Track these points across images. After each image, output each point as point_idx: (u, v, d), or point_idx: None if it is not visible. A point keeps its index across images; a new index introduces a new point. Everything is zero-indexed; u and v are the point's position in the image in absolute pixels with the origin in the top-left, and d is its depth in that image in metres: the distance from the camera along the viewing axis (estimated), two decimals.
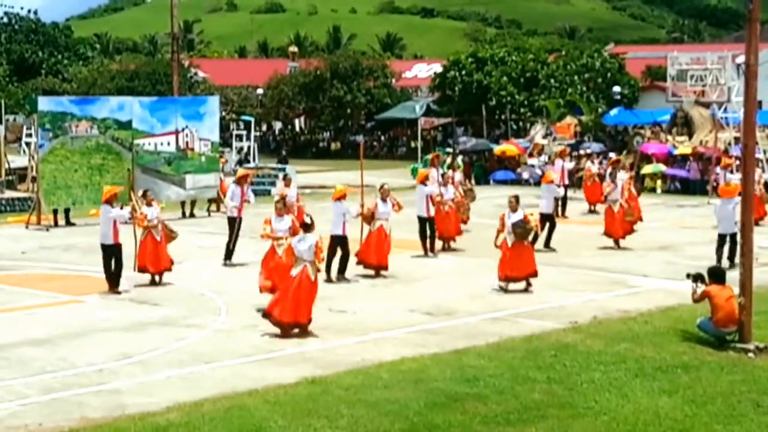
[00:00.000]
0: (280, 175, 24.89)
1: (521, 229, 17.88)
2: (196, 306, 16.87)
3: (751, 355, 13.36)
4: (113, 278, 17.95)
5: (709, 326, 13.97)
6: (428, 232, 22.19)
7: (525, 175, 41.62)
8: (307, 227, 14.69)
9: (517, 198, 18.58)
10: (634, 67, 59.97)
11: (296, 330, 14.49)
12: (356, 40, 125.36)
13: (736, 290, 13.92)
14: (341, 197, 19.20)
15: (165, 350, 13.85)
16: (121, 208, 18.28)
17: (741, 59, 38.30)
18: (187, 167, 30.46)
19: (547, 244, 22.74)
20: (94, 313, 16.35)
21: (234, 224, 21.34)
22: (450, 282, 19.24)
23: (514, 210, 18.19)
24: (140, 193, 20.18)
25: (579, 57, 57.19)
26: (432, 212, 22.28)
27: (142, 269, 18.72)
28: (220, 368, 12.92)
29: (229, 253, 21.14)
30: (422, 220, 22.14)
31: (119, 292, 17.82)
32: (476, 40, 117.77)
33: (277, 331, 14.49)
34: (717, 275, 14.23)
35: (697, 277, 14.28)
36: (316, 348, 13.93)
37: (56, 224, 27.81)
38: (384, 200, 20.17)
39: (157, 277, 18.77)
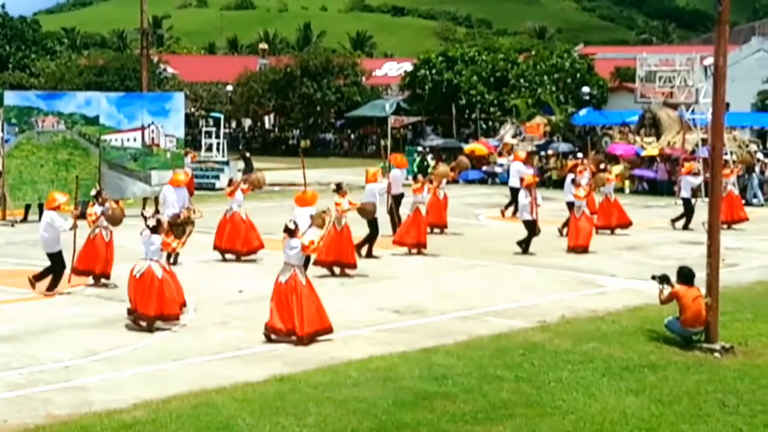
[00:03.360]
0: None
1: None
2: None
3: (717, 355, 13.46)
4: (57, 279, 17.69)
5: (677, 326, 14.07)
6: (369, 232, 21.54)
7: (498, 170, 41.84)
8: (292, 232, 14.46)
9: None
10: (603, 67, 60.30)
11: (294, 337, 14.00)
12: (326, 38, 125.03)
13: (704, 291, 14.02)
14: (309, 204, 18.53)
15: (132, 347, 13.76)
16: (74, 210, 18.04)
17: (709, 61, 38.67)
18: (152, 163, 30.26)
19: (526, 249, 22.60)
20: (61, 310, 16.20)
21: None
22: (419, 280, 19.24)
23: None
24: (94, 192, 19.90)
25: (549, 57, 57.41)
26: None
27: (81, 271, 18.17)
28: (187, 366, 12.86)
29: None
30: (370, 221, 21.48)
31: (53, 294, 17.49)
32: (446, 39, 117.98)
33: (246, 328, 14.46)
34: (685, 275, 14.30)
35: (663, 279, 14.36)
36: (285, 346, 13.87)
37: (26, 219, 27.59)
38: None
39: (103, 279, 18.29)
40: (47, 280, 17.60)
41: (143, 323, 14.74)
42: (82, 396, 11.47)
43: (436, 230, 25.35)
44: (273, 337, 14.04)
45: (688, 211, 26.80)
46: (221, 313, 15.66)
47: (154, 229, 14.94)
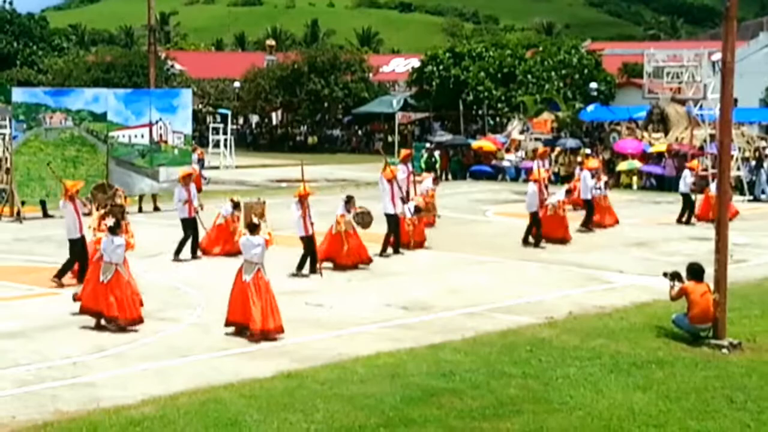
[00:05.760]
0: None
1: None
2: (172, 299, 16.80)
3: (724, 351, 13.44)
4: (66, 270, 17.84)
5: (684, 322, 14.05)
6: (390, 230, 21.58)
7: (506, 164, 41.82)
8: (254, 228, 14.41)
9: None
10: (611, 63, 60.17)
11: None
12: (334, 34, 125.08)
13: (712, 287, 14.00)
14: (304, 197, 18.68)
15: (140, 343, 13.78)
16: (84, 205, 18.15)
17: (717, 56, 38.54)
18: (160, 160, 30.27)
19: (526, 240, 22.77)
20: (69, 306, 16.20)
21: (187, 224, 20.92)
22: (426, 277, 19.24)
23: None
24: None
25: (556, 53, 57.30)
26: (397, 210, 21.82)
27: None
28: (195, 362, 12.88)
29: (178, 251, 20.85)
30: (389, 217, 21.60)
31: (62, 285, 17.58)
32: (454, 35, 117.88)
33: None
34: (695, 271, 14.29)
35: (674, 276, 14.35)
36: (292, 342, 13.89)
37: (45, 214, 27.55)
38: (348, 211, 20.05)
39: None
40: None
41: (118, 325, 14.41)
42: (90, 392, 11.50)
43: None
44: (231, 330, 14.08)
45: (688, 206, 26.99)
46: None
47: (113, 230, 14.78)
